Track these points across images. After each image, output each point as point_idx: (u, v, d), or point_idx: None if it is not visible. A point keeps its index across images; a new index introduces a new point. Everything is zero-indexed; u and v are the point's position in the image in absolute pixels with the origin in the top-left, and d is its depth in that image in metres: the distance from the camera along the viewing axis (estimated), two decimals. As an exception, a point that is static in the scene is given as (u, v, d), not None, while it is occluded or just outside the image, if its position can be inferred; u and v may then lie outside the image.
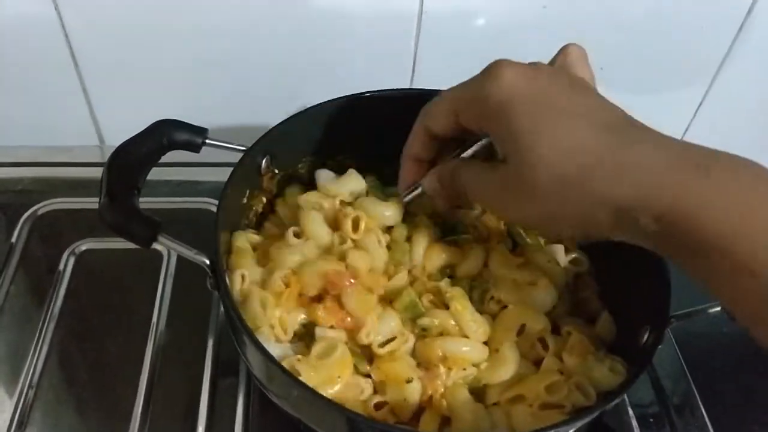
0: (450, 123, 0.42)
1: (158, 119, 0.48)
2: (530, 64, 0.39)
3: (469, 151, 0.43)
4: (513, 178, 0.37)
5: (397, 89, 0.56)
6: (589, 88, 0.39)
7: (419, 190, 0.47)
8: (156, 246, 0.43)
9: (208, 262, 0.43)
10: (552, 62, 0.42)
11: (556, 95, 0.36)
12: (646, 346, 0.42)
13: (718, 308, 0.41)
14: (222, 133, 0.53)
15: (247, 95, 0.68)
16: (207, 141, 0.49)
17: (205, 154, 0.51)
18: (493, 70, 0.38)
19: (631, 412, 0.54)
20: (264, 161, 0.52)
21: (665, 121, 0.70)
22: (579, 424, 0.39)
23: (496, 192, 0.39)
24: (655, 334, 0.41)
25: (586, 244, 0.54)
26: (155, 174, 0.50)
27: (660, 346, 0.41)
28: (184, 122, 0.48)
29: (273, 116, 0.54)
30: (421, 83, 0.67)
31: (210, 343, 0.56)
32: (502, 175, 0.38)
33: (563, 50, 0.42)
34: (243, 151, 0.49)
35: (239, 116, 0.70)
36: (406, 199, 0.48)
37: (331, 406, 0.39)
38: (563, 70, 0.40)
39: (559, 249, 0.52)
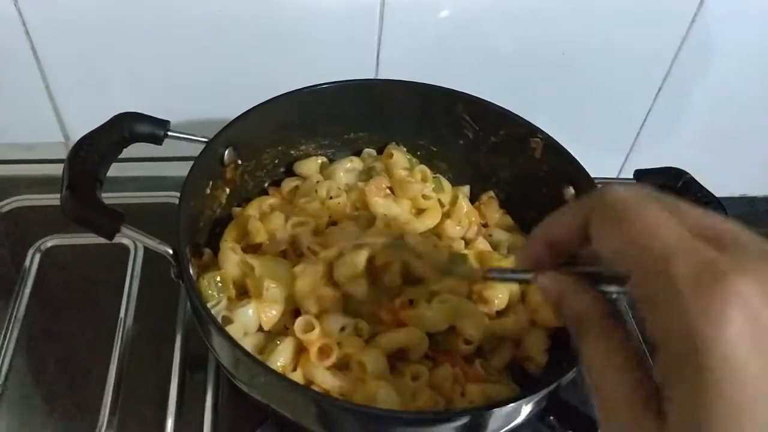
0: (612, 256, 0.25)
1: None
2: None
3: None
4: None
5: (358, 79, 0.57)
6: None
7: (529, 277, 0.31)
8: (122, 240, 0.43)
9: (171, 251, 0.43)
10: None
11: None
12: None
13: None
14: (189, 126, 0.53)
15: (213, 88, 0.68)
16: (169, 133, 0.49)
17: (172, 148, 0.52)
18: (713, 300, 0.21)
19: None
20: (227, 152, 0.52)
21: (628, 105, 0.73)
22: (536, 398, 0.40)
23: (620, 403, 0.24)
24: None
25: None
26: (122, 169, 0.50)
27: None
28: (145, 114, 0.49)
29: (239, 109, 0.54)
30: (386, 74, 0.68)
31: (178, 336, 0.56)
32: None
33: None
34: (205, 142, 0.50)
35: (206, 109, 0.70)
36: (508, 275, 0.38)
37: (298, 388, 0.40)
38: None
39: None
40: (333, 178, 0.58)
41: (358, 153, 0.61)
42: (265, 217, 0.53)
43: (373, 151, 0.61)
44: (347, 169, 0.58)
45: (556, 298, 0.29)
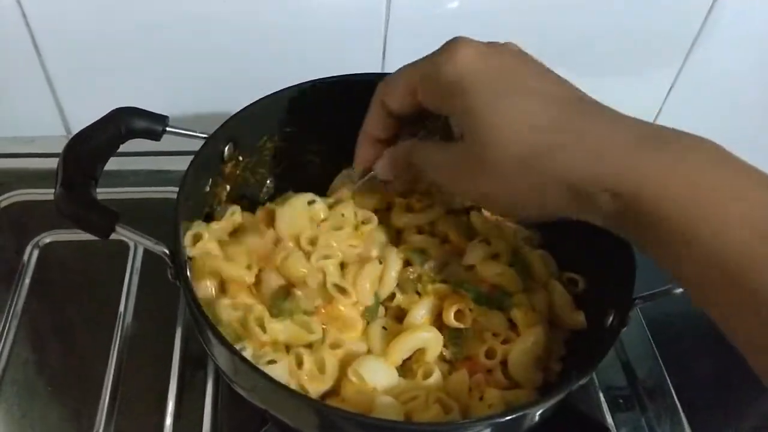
0: (407, 100, 0.41)
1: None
2: (488, 43, 0.38)
3: (424, 132, 0.42)
4: (470, 156, 0.36)
5: (363, 73, 0.55)
6: (543, 65, 0.39)
7: (372, 173, 0.45)
8: (120, 237, 0.42)
9: (167, 252, 0.42)
10: None
11: (511, 73, 0.36)
12: (612, 328, 0.42)
13: (682, 288, 0.41)
14: (191, 120, 0.51)
15: (215, 82, 0.67)
16: (168, 129, 0.48)
17: (175, 142, 0.50)
18: (449, 47, 0.37)
19: (602, 396, 0.54)
20: (227, 148, 0.51)
21: (636, 103, 0.72)
22: (548, 404, 0.39)
23: (453, 170, 0.39)
24: (620, 316, 0.41)
25: (551, 227, 0.53)
26: (120, 164, 0.49)
27: (629, 328, 0.41)
28: (142, 110, 0.47)
29: (241, 103, 0.52)
30: (393, 67, 0.66)
31: (178, 335, 0.55)
32: (460, 154, 0.38)
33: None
34: (205, 138, 0.48)
35: (209, 104, 0.69)
36: (359, 183, 0.47)
37: (297, 396, 0.39)
38: (518, 49, 0.39)
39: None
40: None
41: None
42: (281, 259, 0.47)
43: None
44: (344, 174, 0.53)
45: (395, 166, 0.44)
